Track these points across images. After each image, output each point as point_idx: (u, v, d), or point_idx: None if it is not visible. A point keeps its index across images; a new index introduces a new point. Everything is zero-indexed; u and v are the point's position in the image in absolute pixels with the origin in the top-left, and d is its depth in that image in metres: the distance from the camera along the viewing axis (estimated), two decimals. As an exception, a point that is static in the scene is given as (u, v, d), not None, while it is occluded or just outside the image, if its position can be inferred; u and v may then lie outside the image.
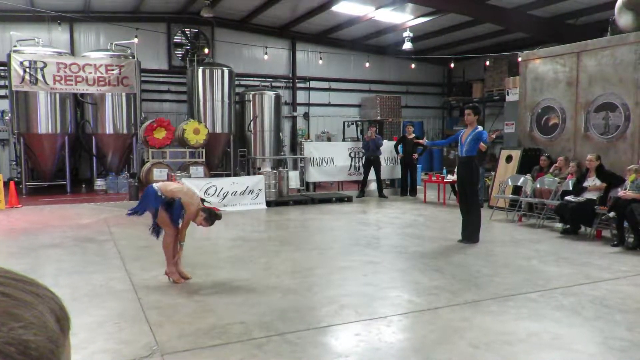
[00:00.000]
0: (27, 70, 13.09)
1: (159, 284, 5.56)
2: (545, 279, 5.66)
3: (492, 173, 11.77)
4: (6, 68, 13.74)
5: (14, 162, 15.23)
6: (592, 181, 8.33)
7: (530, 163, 10.59)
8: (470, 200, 7.67)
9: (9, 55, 13.29)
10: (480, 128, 7.60)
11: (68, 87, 13.56)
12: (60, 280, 5.73)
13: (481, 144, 11.19)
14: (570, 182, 8.84)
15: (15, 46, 13.86)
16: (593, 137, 9.84)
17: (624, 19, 9.56)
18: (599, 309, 4.67)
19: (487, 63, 18.95)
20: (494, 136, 8.62)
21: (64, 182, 14.44)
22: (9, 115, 14.58)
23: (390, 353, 3.76)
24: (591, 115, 9.87)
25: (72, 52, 15.98)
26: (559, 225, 8.75)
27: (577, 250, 7.21)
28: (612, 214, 7.40)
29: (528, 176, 9.91)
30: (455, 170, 8.06)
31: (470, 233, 7.65)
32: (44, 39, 14.89)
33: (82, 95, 14.76)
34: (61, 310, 0.64)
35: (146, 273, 5.98)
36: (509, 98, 12.98)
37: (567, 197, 8.36)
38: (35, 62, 13.16)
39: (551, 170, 9.87)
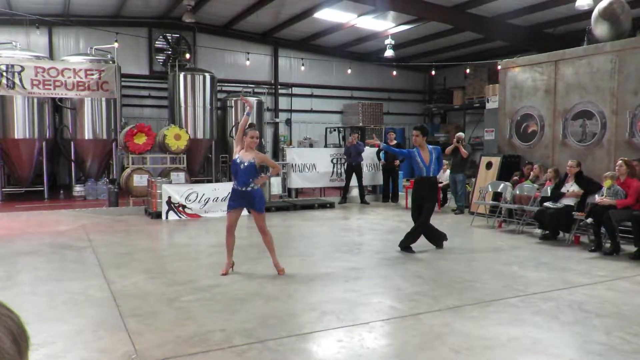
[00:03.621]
0: (4, 74, 12.86)
1: (138, 291, 5.49)
2: (525, 284, 5.72)
3: (473, 179, 11.89)
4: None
5: (-10, 168, 14.93)
6: (571, 186, 8.46)
7: (509, 169, 10.73)
8: (427, 214, 7.55)
9: (-15, 59, 13.06)
10: (431, 147, 7.60)
11: (46, 91, 13.36)
12: (37, 288, 5.62)
13: (462, 150, 11.36)
14: (548, 188, 8.97)
15: (-9, 50, 13.63)
16: (571, 144, 10.01)
17: (599, 29, 9.76)
18: (578, 313, 4.73)
19: (468, 71, 19.18)
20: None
21: (42, 188, 14.19)
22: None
23: (372, 359, 3.76)
24: (569, 123, 10.04)
25: (51, 57, 15.76)
26: (538, 231, 8.87)
27: (555, 255, 7.31)
28: (589, 220, 7.52)
29: (508, 183, 10.03)
30: (414, 189, 7.89)
31: (438, 238, 7.67)
32: (21, 43, 14.66)
33: (60, 99, 14.54)
34: (19, 329, 0.60)
35: (125, 280, 5.90)
36: (488, 105, 13.15)
37: (546, 204, 8.47)
38: (12, 65, 12.94)
39: (530, 177, 10.01)
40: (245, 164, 5.99)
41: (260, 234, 6.25)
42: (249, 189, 6.05)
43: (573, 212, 8.12)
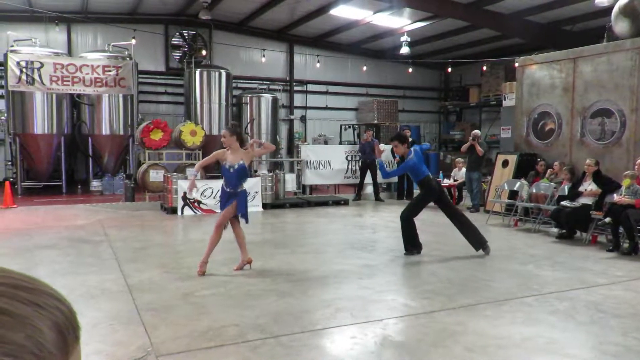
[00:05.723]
0: (24, 70, 13.06)
1: (153, 285, 5.54)
2: (541, 284, 5.66)
3: (489, 177, 11.80)
4: (3, 68, 13.71)
5: (10, 163, 15.18)
6: (588, 185, 8.35)
7: (526, 168, 10.62)
8: (455, 211, 7.48)
9: (5, 55, 13.26)
10: (412, 152, 7.15)
11: (65, 87, 13.54)
12: (54, 281, 5.67)
13: (478, 148, 11.27)
14: (566, 187, 8.87)
15: (12, 46, 13.84)
16: (589, 142, 9.87)
17: (620, 26, 9.61)
18: (594, 313, 4.67)
19: (484, 68, 19.02)
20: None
21: (60, 183, 14.39)
22: (5, 115, 14.54)
23: (386, 356, 3.75)
24: (587, 121, 9.91)
25: (70, 53, 15.96)
26: (554, 230, 8.77)
27: (572, 255, 7.22)
28: (607, 220, 7.41)
29: (524, 181, 9.93)
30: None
31: (413, 243, 7.24)
32: (41, 39, 14.87)
33: (78, 95, 14.73)
34: (67, 321, 0.56)
35: (141, 274, 5.96)
36: (505, 103, 13.02)
37: (563, 202, 8.38)
38: (32, 62, 13.13)
39: (547, 175, 9.90)
40: (236, 167, 5.97)
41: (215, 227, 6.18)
42: (237, 190, 6.05)
43: (591, 212, 8.02)
